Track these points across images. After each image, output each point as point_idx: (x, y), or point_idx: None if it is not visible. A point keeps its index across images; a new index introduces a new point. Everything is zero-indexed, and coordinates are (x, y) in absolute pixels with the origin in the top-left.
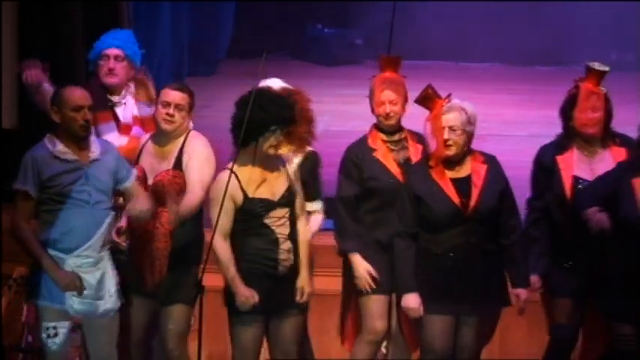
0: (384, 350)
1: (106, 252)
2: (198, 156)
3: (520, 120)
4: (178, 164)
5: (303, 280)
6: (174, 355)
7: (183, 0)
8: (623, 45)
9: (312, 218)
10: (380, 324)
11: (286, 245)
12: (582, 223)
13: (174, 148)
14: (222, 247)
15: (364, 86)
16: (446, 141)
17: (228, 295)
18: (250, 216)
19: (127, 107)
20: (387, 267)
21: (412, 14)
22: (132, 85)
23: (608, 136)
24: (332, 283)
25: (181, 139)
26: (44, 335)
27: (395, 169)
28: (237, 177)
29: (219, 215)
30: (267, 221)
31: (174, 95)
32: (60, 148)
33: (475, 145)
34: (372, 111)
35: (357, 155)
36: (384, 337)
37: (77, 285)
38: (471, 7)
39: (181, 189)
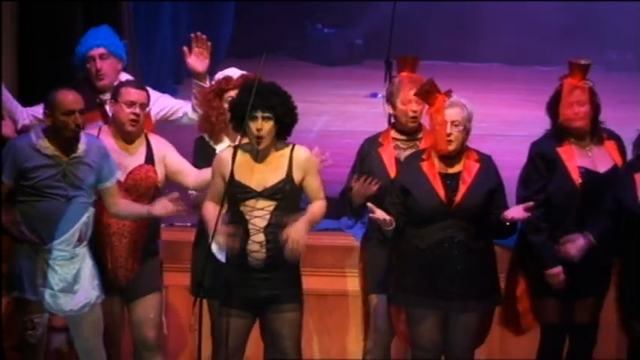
0: None
1: (84, 248)
2: (172, 150)
3: (520, 120)
4: (150, 160)
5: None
6: (156, 346)
7: (183, 0)
8: (623, 45)
9: None
10: (384, 323)
11: (258, 237)
12: (590, 214)
13: (139, 144)
14: (206, 207)
15: (364, 86)
16: (448, 135)
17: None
18: (230, 199)
19: None
20: (388, 267)
21: (412, 14)
22: (123, 80)
23: (597, 131)
24: (332, 283)
25: (143, 135)
26: (23, 329)
27: (392, 167)
28: (234, 155)
29: (225, 191)
30: (242, 209)
31: (138, 94)
32: (42, 142)
33: (475, 145)
34: (394, 109)
35: (365, 149)
36: (391, 337)
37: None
38: (472, 7)
39: (155, 183)
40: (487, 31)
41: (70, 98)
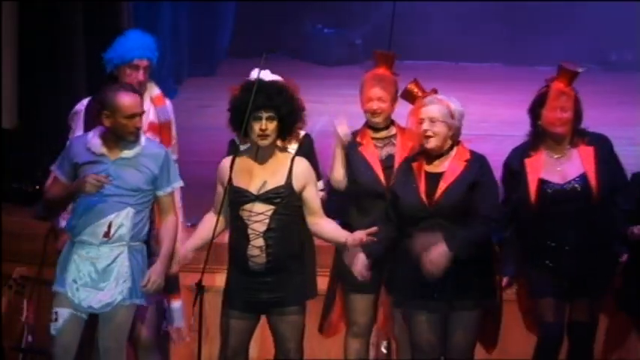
0: (384, 350)
1: (121, 248)
2: None
3: (520, 120)
4: None
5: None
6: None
7: (183, 0)
8: (623, 45)
9: None
10: (363, 319)
11: (258, 242)
12: (551, 223)
13: None
14: (205, 218)
15: None
16: (425, 132)
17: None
18: (230, 204)
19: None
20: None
21: (412, 14)
22: (150, 89)
23: (576, 136)
24: None
25: None
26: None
27: (376, 165)
28: (232, 162)
29: (223, 197)
30: (241, 214)
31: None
32: (94, 142)
33: (475, 145)
34: (362, 106)
35: (347, 149)
36: (368, 331)
37: (95, 181)
38: (471, 7)
39: None
40: (487, 31)
41: (133, 101)
